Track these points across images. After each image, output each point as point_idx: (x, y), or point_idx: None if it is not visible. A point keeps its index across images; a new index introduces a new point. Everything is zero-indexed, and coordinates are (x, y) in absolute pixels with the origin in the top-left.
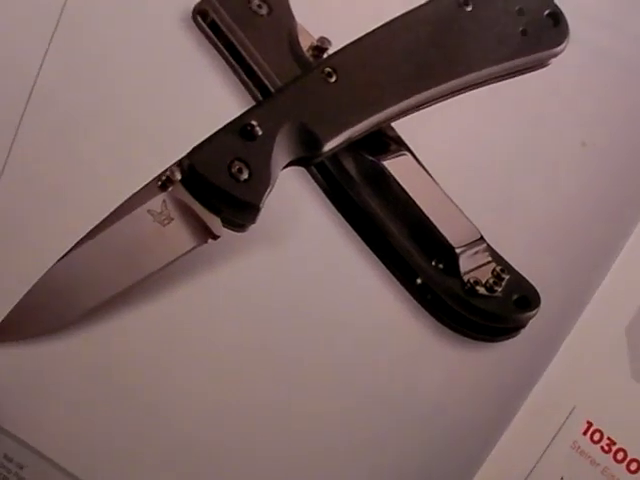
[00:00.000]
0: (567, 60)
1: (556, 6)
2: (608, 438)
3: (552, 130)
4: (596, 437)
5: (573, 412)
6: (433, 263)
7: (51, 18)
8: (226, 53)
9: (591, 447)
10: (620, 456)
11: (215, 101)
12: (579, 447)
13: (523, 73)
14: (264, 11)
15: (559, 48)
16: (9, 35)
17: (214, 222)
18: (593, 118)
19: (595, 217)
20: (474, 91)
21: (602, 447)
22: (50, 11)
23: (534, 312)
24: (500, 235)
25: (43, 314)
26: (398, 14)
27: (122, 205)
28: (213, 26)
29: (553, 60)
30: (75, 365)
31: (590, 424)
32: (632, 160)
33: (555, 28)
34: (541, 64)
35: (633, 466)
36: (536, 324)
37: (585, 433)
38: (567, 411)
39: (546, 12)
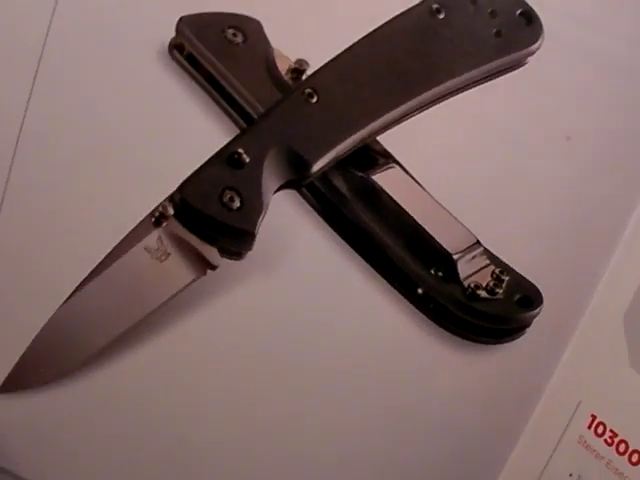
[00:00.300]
0: (548, 58)
1: (527, 5)
2: (611, 430)
3: (537, 127)
4: (600, 430)
5: (579, 407)
6: (432, 272)
7: (32, 59)
8: (206, 84)
9: (595, 441)
10: (622, 448)
11: (199, 132)
12: (585, 441)
13: (503, 74)
14: (239, 39)
15: (534, 46)
16: None
17: (211, 253)
18: (576, 113)
19: (588, 210)
20: (457, 96)
21: (605, 440)
22: (30, 52)
23: (537, 310)
24: (496, 237)
25: (52, 360)
26: (372, 28)
27: (119, 244)
28: (190, 59)
29: (532, 58)
30: (86, 407)
31: (594, 417)
32: (618, 150)
33: (529, 27)
34: (519, 64)
35: (634, 458)
36: (541, 322)
37: (590, 427)
38: (573, 406)
39: (518, 12)
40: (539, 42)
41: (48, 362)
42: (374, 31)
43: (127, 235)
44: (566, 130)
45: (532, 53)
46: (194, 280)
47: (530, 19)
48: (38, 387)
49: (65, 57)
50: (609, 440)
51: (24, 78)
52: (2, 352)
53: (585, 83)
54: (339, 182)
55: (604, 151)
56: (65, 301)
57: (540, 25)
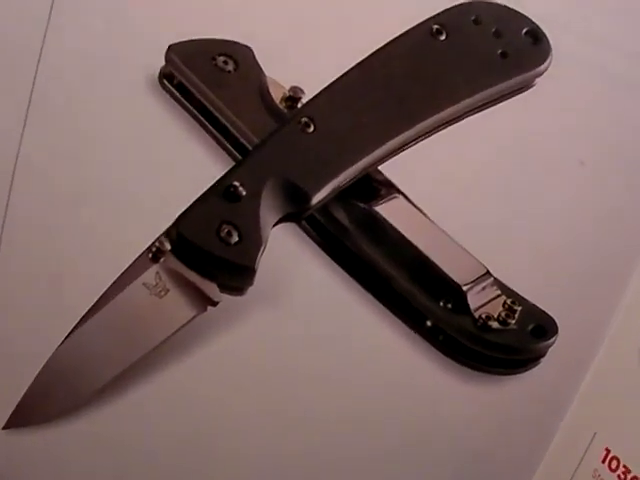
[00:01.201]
0: (558, 78)
1: (533, 23)
2: (624, 466)
3: (549, 151)
4: (614, 465)
5: (594, 439)
6: (441, 304)
7: (24, 90)
8: (197, 114)
9: (610, 476)
10: None
11: (193, 164)
12: (599, 475)
13: (510, 97)
14: (230, 67)
15: (542, 67)
16: None
17: (211, 289)
18: (590, 135)
19: (603, 237)
20: (461, 122)
21: (619, 475)
22: (22, 83)
23: (552, 340)
24: (507, 266)
25: (54, 397)
26: (369, 52)
27: (117, 280)
28: (181, 88)
29: (540, 79)
30: (89, 443)
31: (608, 451)
32: (634, 175)
33: (535, 46)
34: (527, 85)
35: None
36: (557, 352)
37: (604, 461)
38: (589, 439)
39: (524, 31)
40: (547, 62)
41: (51, 399)
42: (371, 55)
43: (125, 271)
44: (580, 154)
45: (540, 74)
46: (195, 317)
47: (537, 38)
48: (40, 424)
49: (56, 88)
50: (622, 476)
51: (17, 109)
52: (4, 390)
53: (598, 103)
54: (340, 214)
55: (619, 176)
56: (66, 338)
57: (548, 44)
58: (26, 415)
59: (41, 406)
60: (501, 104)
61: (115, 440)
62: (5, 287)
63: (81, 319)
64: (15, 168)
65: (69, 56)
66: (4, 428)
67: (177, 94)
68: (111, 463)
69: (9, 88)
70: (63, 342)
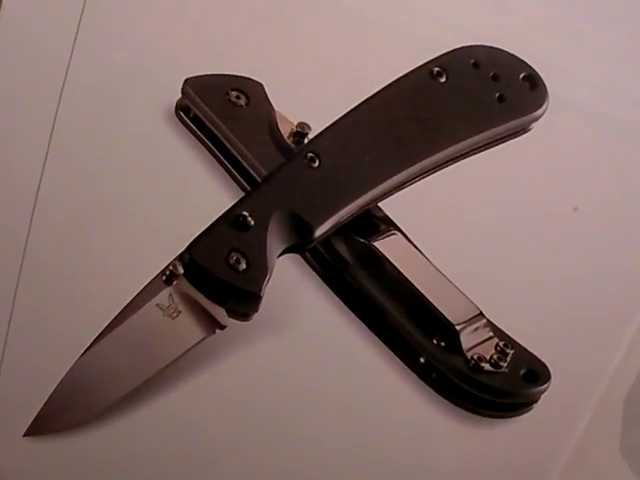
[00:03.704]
0: (554, 123)
1: (531, 68)
2: None
3: (543, 196)
4: None
5: None
6: (435, 341)
7: (46, 124)
8: (210, 145)
9: None
10: None
11: (205, 193)
12: None
13: (506, 140)
14: (242, 102)
15: (539, 112)
16: (8, 145)
17: (219, 313)
18: (584, 181)
19: (597, 282)
20: (459, 162)
21: None
22: (44, 116)
23: (545, 386)
24: (500, 309)
25: (72, 408)
26: (373, 91)
27: (132, 301)
28: (196, 120)
29: (537, 124)
30: (98, 458)
31: None
32: (628, 221)
33: (533, 91)
34: (523, 129)
35: None
36: (551, 397)
37: None
38: None
39: (522, 75)
40: (544, 107)
41: (68, 410)
42: (374, 95)
43: (139, 292)
44: (574, 200)
45: (537, 119)
46: (203, 339)
47: (534, 83)
48: (59, 432)
49: (76, 122)
50: None
51: (39, 140)
52: (22, 403)
53: (592, 149)
54: (341, 248)
55: (613, 222)
56: (84, 353)
57: (545, 89)
58: (46, 424)
59: (60, 416)
60: (498, 147)
61: (122, 456)
62: (26, 304)
63: (98, 335)
64: (37, 195)
65: (90, 89)
66: (25, 435)
67: (192, 126)
68: (121, 475)
69: (33, 118)
70: (81, 357)
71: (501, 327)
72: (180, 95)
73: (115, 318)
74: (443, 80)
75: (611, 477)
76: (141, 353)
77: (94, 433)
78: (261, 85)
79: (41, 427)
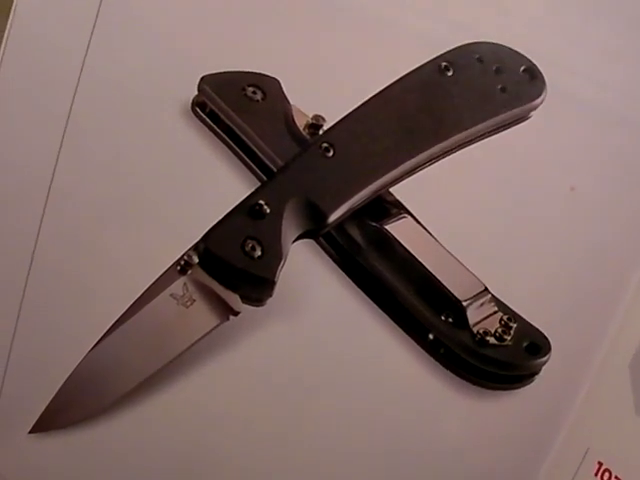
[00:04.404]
0: (552, 112)
1: (530, 62)
2: (616, 477)
3: (542, 177)
4: (605, 477)
5: (587, 454)
6: (443, 318)
7: (60, 117)
8: (227, 139)
9: None
10: None
11: (221, 184)
12: None
13: (508, 127)
14: (259, 97)
15: (538, 101)
16: (21, 140)
17: (234, 299)
18: (580, 164)
19: (593, 256)
20: (464, 149)
21: None
22: (59, 110)
23: (546, 358)
24: (503, 285)
25: (81, 402)
26: (384, 85)
27: (146, 291)
28: (212, 115)
29: (536, 112)
30: (113, 447)
31: (600, 464)
32: (621, 199)
33: (532, 82)
34: (523, 117)
35: None
36: (551, 369)
37: (597, 474)
38: (582, 454)
39: (522, 68)
40: (542, 97)
41: (77, 404)
42: (386, 88)
43: (154, 282)
44: (570, 180)
45: (535, 107)
46: (217, 325)
47: (533, 75)
48: (66, 428)
49: (92, 116)
50: None
51: (53, 135)
52: (34, 393)
53: (587, 135)
54: (354, 232)
55: (607, 200)
56: (95, 345)
57: (543, 80)
58: (52, 419)
59: (67, 411)
60: (500, 134)
61: (136, 445)
62: (37, 298)
63: (111, 327)
64: (50, 189)
65: (106, 85)
66: (30, 432)
67: (208, 121)
68: (130, 468)
69: (48, 113)
70: (93, 349)
71: (504, 301)
72: (196, 91)
73: (128, 309)
74: (450, 74)
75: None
76: (154, 342)
77: (102, 427)
78: (277, 81)
79: (48, 423)
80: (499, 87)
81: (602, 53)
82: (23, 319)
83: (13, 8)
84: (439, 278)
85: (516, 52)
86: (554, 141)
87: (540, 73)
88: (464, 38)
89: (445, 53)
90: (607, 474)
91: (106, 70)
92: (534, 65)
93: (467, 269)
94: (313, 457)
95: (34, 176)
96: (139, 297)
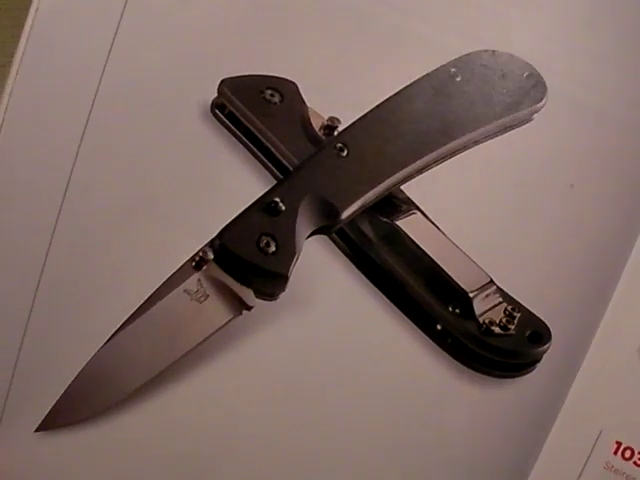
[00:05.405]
0: (553, 115)
1: (533, 68)
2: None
3: (543, 175)
4: (627, 454)
5: (601, 435)
6: (450, 309)
7: (82, 115)
8: (245, 140)
9: (624, 464)
10: None
11: (239, 183)
12: (612, 467)
13: (512, 129)
14: (277, 99)
15: (540, 104)
16: (41, 137)
17: (247, 294)
18: (579, 164)
19: (591, 250)
20: (471, 149)
21: (635, 462)
22: (80, 108)
23: (547, 346)
24: (508, 276)
25: (91, 397)
26: (396, 90)
27: (160, 287)
28: (231, 117)
29: (538, 115)
30: (118, 447)
31: (619, 444)
32: (617, 196)
33: (534, 87)
34: (527, 119)
35: None
36: (551, 356)
37: (616, 453)
38: (595, 435)
39: (525, 74)
40: (543, 101)
41: (85, 401)
42: (398, 92)
43: (168, 278)
44: (570, 178)
45: (538, 110)
46: (231, 320)
47: (536, 80)
48: (77, 424)
49: (112, 116)
50: (639, 462)
51: (73, 132)
52: (46, 388)
53: (586, 137)
54: (366, 228)
55: (604, 197)
56: (108, 340)
57: (544, 86)
58: (61, 416)
59: (76, 408)
60: (504, 135)
61: (146, 440)
62: (50, 295)
63: (124, 322)
64: (68, 187)
65: (128, 85)
66: (37, 431)
67: (227, 122)
68: (141, 463)
69: (68, 114)
70: (104, 345)
71: (508, 292)
72: (216, 94)
73: (141, 306)
74: (459, 79)
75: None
76: (167, 337)
77: (109, 424)
78: (294, 84)
79: (55, 421)
80: (504, 91)
81: (600, 59)
82: (35, 316)
83: (35, 6)
84: (447, 271)
85: (520, 59)
86: (555, 141)
87: (542, 79)
88: (472, 46)
89: (454, 60)
90: (629, 451)
91: (127, 71)
92: (536, 71)
93: (474, 262)
94: (324, 444)
95: (53, 173)
96: (152, 293)
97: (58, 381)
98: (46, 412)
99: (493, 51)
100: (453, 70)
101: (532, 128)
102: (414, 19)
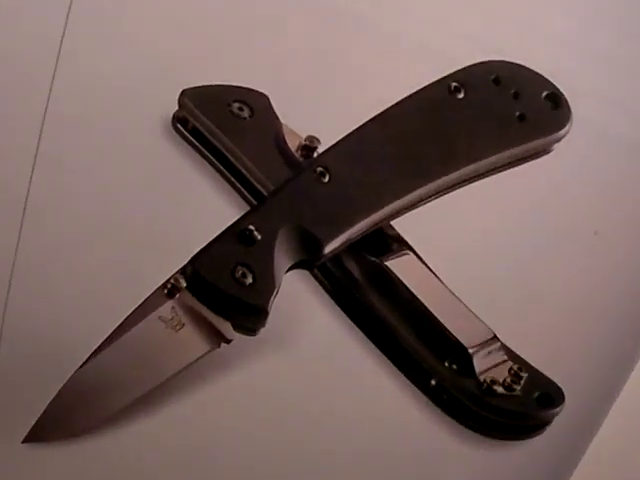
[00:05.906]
0: (576, 144)
1: (555, 87)
2: None
3: (563, 218)
4: None
5: None
6: (446, 364)
7: (34, 133)
8: (212, 159)
9: None
10: None
11: (207, 206)
12: None
13: (527, 161)
14: (246, 114)
15: (561, 132)
16: None
17: (225, 327)
18: (605, 204)
19: (613, 306)
20: (477, 183)
21: None
22: (32, 125)
23: (558, 409)
24: (516, 332)
25: (70, 417)
26: (386, 105)
27: (132, 313)
28: (195, 133)
29: (557, 145)
30: (96, 469)
31: None
32: None
33: (555, 111)
34: (544, 150)
35: None
36: (562, 419)
37: None
38: None
39: (544, 94)
40: (567, 128)
41: (67, 419)
42: (389, 108)
43: (140, 304)
44: (594, 223)
45: (558, 139)
46: (209, 352)
47: (557, 102)
48: (58, 440)
49: (67, 132)
50: None
51: (27, 151)
52: (19, 414)
53: (615, 171)
54: (352, 265)
55: (632, 246)
56: (83, 364)
57: (568, 109)
58: (45, 431)
59: (59, 424)
60: (517, 168)
61: (120, 468)
62: (20, 315)
63: (98, 347)
64: (25, 208)
65: (80, 100)
66: (23, 442)
67: (191, 138)
68: None
69: (19, 130)
70: (80, 368)
71: (515, 348)
72: (177, 106)
73: (115, 330)
74: (461, 96)
75: None
76: (142, 366)
77: (93, 442)
78: (266, 96)
79: (40, 435)
80: (517, 114)
81: (633, 80)
82: (8, 328)
83: None
84: (443, 322)
85: (538, 74)
86: (577, 178)
87: (565, 100)
88: (478, 55)
89: (456, 72)
90: None
91: (79, 81)
92: (559, 91)
93: (474, 314)
94: None
95: (9, 194)
96: (125, 318)
97: (42, 394)
98: (26, 431)
99: (505, 62)
100: (454, 84)
101: (551, 159)
102: (407, 20)
